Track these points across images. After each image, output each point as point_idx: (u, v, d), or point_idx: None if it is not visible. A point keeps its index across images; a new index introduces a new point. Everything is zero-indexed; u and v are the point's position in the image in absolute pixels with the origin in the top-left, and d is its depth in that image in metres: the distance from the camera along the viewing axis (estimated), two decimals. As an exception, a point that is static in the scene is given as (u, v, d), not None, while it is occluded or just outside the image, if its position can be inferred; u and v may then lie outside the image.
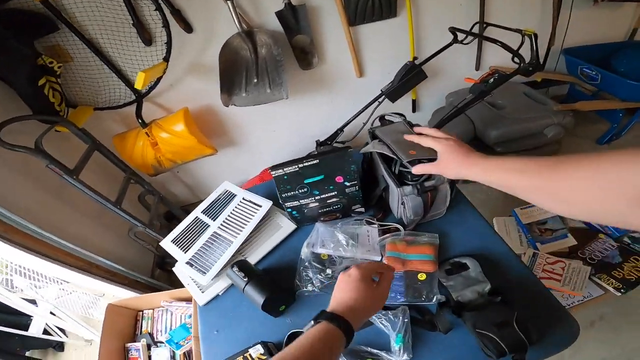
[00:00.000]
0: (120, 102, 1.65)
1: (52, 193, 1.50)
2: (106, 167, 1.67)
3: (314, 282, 0.88)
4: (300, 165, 0.86)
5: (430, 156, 0.76)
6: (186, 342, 1.40)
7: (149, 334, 1.50)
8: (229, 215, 1.10)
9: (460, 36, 1.68)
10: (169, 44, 1.48)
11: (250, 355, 0.79)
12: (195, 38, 1.60)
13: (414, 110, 2.25)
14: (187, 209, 2.14)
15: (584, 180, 0.42)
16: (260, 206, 1.09)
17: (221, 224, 1.09)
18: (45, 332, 1.76)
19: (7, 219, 1.24)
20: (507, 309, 0.72)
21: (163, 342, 1.44)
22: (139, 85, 1.34)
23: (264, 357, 0.78)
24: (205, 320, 0.95)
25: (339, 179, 0.90)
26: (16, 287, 1.54)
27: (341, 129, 1.78)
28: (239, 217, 1.09)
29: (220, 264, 0.99)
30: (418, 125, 0.94)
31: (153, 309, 1.57)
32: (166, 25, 1.42)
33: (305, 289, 0.89)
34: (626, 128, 2.16)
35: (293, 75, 1.82)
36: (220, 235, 1.06)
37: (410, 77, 1.74)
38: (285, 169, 0.87)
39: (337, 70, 1.92)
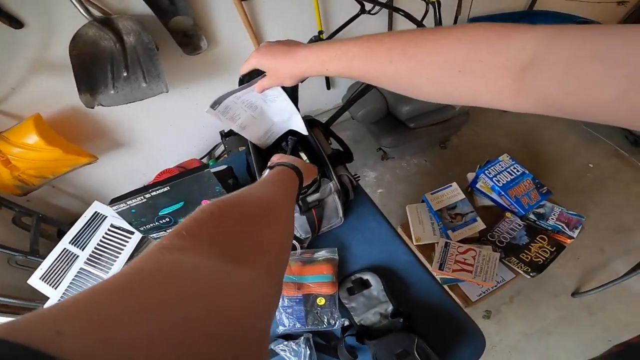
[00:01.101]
0: None
1: None
2: None
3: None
4: (148, 195, 0.67)
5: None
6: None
7: None
8: (95, 248, 0.95)
9: (368, 6, 1.55)
10: (-16, 45, 1.16)
11: None
12: (29, 33, 1.26)
13: (328, 87, 2.11)
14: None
15: (435, 67, 0.38)
16: (132, 233, 0.91)
17: (88, 258, 0.93)
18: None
19: None
20: (407, 335, 0.66)
21: None
22: None
23: None
24: None
25: (205, 202, 0.72)
26: None
27: (245, 117, 1.58)
28: (108, 248, 0.94)
29: None
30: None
31: None
32: (-28, 25, 1.10)
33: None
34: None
35: (178, 63, 1.55)
36: (89, 271, 0.92)
37: (317, 53, 1.57)
38: (128, 202, 0.67)
39: (234, 51, 1.67)
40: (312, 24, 1.74)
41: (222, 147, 1.83)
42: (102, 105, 1.32)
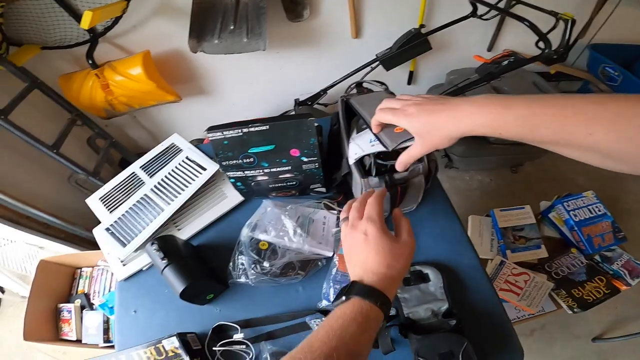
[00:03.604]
0: (72, 41, 1.45)
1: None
2: (54, 109, 1.50)
3: (248, 274, 0.74)
4: (245, 130, 0.69)
5: None
6: (121, 308, 1.29)
7: (85, 294, 1.38)
8: (166, 176, 0.94)
9: (481, 10, 1.47)
10: (133, -18, 1.28)
11: (163, 347, 0.69)
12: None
13: (409, 83, 2.05)
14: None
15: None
16: (204, 169, 0.92)
17: (155, 186, 0.92)
18: (-19, 287, 1.63)
19: None
20: (458, 337, 0.63)
21: (97, 305, 1.33)
22: (84, 24, 1.16)
23: (177, 351, 0.68)
24: (123, 297, 0.82)
25: (295, 152, 0.73)
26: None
27: (324, 91, 1.60)
28: (177, 179, 0.92)
29: (143, 237, 0.83)
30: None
31: (92, 267, 1.44)
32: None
33: (237, 279, 0.75)
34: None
35: (278, 27, 1.59)
36: (151, 199, 0.90)
37: (412, 46, 1.55)
38: (225, 133, 0.69)
39: (330, 27, 1.69)
40: (414, 15, 1.69)
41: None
42: (204, 52, 1.41)
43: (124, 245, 0.83)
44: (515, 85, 1.71)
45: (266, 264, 0.75)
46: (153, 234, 0.84)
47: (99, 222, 0.91)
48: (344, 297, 0.44)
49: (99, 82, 1.48)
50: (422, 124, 0.48)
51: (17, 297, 1.81)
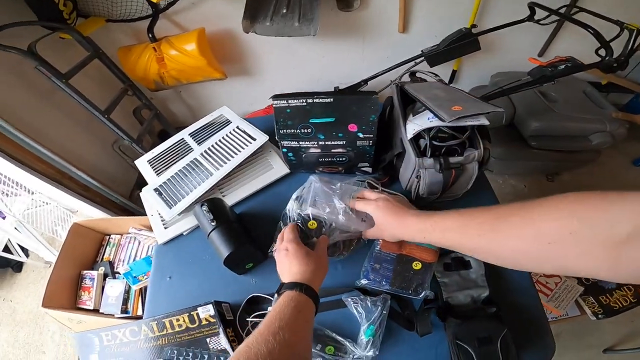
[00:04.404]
0: (135, 15, 1.55)
1: (40, 94, 1.44)
2: (108, 78, 1.58)
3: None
4: (310, 101, 0.72)
5: (480, 111, 0.64)
6: (145, 277, 1.26)
7: (110, 262, 1.38)
8: (216, 143, 0.97)
9: (539, 14, 1.43)
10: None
11: (197, 314, 0.68)
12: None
13: (450, 82, 2.04)
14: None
15: (523, 239, 0.42)
16: (254, 139, 0.94)
17: (205, 151, 0.95)
18: (7, 249, 1.66)
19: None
20: (497, 323, 0.64)
21: (121, 274, 1.30)
22: None
23: (212, 320, 0.67)
24: (160, 261, 0.83)
25: (353, 127, 0.75)
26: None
27: (365, 81, 1.61)
28: (227, 147, 0.95)
29: (191, 198, 0.85)
30: (456, 88, 0.79)
31: (121, 235, 1.44)
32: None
33: (280, 251, 0.76)
34: (670, 155, 1.94)
35: (327, 14, 1.62)
36: (201, 163, 0.92)
37: (461, 44, 1.53)
38: (289, 101, 0.72)
39: (378, 19, 1.70)
40: (466, 15, 1.67)
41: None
42: (255, 33, 1.45)
43: (171, 207, 0.84)
44: (563, 91, 1.67)
45: (315, 240, 0.71)
46: (200, 196, 0.85)
47: (133, 191, 0.94)
48: (276, 295, 0.57)
49: (155, 55, 1.56)
50: (382, 219, 0.65)
51: (41, 262, 1.83)
